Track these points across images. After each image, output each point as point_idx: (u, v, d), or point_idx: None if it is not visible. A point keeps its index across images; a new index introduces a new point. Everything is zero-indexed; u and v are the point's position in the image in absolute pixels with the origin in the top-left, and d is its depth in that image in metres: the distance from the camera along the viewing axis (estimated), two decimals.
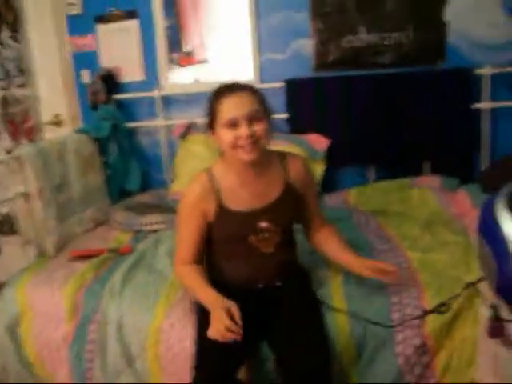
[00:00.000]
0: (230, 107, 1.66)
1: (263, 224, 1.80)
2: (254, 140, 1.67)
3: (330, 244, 1.98)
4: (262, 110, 1.71)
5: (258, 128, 1.67)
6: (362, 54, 3.03)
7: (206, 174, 1.82)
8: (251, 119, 1.66)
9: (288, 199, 1.84)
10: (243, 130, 1.65)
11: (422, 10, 2.92)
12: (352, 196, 2.97)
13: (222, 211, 1.79)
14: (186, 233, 1.85)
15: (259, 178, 1.80)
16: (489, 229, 1.39)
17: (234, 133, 1.66)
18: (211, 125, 1.75)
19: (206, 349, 1.71)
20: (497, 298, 1.43)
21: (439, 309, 1.79)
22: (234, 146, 1.68)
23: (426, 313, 1.82)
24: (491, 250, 1.35)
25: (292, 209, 1.87)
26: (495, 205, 1.38)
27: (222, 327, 1.56)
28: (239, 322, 1.59)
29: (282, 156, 1.86)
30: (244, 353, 1.75)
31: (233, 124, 1.66)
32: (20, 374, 2.28)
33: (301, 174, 1.86)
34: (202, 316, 1.78)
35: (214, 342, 1.60)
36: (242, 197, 1.80)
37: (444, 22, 2.90)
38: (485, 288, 1.55)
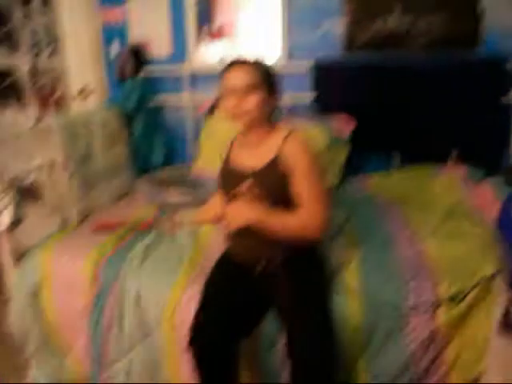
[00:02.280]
0: (226, 79, 1.80)
1: (245, 185, 1.85)
2: (242, 111, 1.79)
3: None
4: (258, 83, 1.79)
5: (248, 101, 1.78)
6: (393, 37, 2.99)
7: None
8: (244, 91, 1.77)
9: (272, 171, 1.81)
10: (230, 102, 1.79)
11: None
12: (374, 181, 2.97)
13: (225, 165, 1.98)
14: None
15: (259, 145, 1.88)
16: (506, 224, 1.38)
17: (228, 102, 1.81)
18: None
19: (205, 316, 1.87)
20: (511, 293, 1.43)
21: (452, 300, 1.79)
22: (228, 114, 1.83)
23: (438, 302, 1.83)
24: (508, 245, 1.35)
25: (276, 182, 1.81)
26: None
27: None
28: None
29: (289, 132, 1.86)
30: (241, 326, 1.88)
31: (228, 94, 1.80)
32: (40, 340, 2.35)
33: (292, 152, 1.80)
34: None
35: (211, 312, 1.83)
36: (240, 156, 1.93)
37: (480, 9, 2.85)
38: (500, 282, 1.55)
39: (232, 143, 2.03)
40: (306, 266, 1.90)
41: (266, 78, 1.82)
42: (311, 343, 1.69)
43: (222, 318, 1.83)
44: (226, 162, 1.98)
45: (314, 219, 1.78)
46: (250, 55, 1.85)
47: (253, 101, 1.78)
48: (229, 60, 1.84)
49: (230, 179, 1.91)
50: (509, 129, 2.90)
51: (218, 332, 1.81)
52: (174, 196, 2.78)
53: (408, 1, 2.94)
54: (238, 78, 1.77)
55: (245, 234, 1.83)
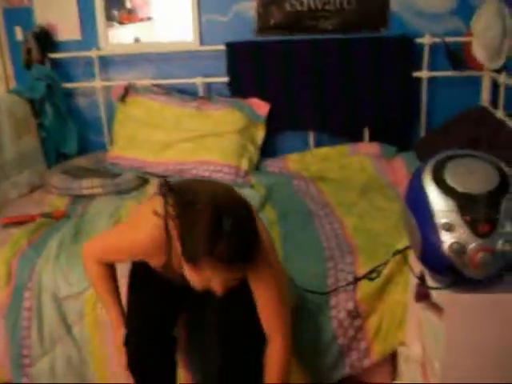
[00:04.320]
0: (211, 275, 1.33)
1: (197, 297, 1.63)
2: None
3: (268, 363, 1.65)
4: (247, 271, 1.43)
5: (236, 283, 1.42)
6: (304, 18, 3.01)
7: (163, 228, 1.47)
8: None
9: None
10: (217, 288, 1.39)
11: None
12: (292, 161, 2.99)
13: (164, 271, 1.61)
14: (116, 249, 1.68)
15: None
16: (414, 198, 1.43)
17: (205, 282, 1.39)
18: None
19: (135, 308, 1.76)
20: (422, 265, 1.48)
21: (369, 276, 1.85)
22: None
23: (356, 279, 1.88)
24: (416, 219, 1.39)
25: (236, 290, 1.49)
26: (421, 174, 1.41)
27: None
28: None
29: None
30: (175, 311, 1.82)
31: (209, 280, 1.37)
32: None
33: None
34: (133, 279, 1.81)
35: (144, 301, 1.73)
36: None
37: None
38: (412, 256, 1.61)
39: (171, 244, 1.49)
40: None
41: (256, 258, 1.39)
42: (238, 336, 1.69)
43: (154, 315, 1.74)
44: (168, 264, 1.55)
45: (287, 328, 1.64)
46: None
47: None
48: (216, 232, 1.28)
49: (171, 286, 1.65)
50: (419, 104, 3.00)
51: (153, 328, 1.73)
52: (88, 186, 2.70)
53: None
54: (231, 278, 1.37)
55: None
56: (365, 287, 1.88)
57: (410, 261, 1.68)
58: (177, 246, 1.39)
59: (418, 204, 1.39)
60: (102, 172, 2.84)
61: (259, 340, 1.65)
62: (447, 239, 1.31)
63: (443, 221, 1.32)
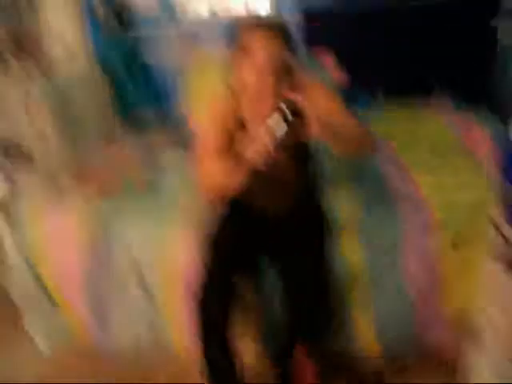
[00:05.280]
0: (257, 46, 1.62)
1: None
2: None
3: None
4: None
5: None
6: None
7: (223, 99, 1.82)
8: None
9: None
10: (263, 63, 1.63)
11: None
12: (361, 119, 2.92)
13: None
14: (213, 130, 1.82)
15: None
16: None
17: (256, 64, 1.63)
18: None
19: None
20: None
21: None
22: None
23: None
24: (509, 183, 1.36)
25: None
26: None
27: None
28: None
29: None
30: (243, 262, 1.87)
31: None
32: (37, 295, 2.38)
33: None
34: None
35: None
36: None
37: None
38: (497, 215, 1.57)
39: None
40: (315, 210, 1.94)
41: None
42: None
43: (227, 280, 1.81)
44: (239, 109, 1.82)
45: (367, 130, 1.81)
46: None
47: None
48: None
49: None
50: (495, 54, 2.87)
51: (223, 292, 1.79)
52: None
53: None
54: (274, 48, 1.64)
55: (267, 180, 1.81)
56: (440, 237, 1.92)
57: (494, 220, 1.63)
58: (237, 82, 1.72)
59: None
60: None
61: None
62: None
63: None
